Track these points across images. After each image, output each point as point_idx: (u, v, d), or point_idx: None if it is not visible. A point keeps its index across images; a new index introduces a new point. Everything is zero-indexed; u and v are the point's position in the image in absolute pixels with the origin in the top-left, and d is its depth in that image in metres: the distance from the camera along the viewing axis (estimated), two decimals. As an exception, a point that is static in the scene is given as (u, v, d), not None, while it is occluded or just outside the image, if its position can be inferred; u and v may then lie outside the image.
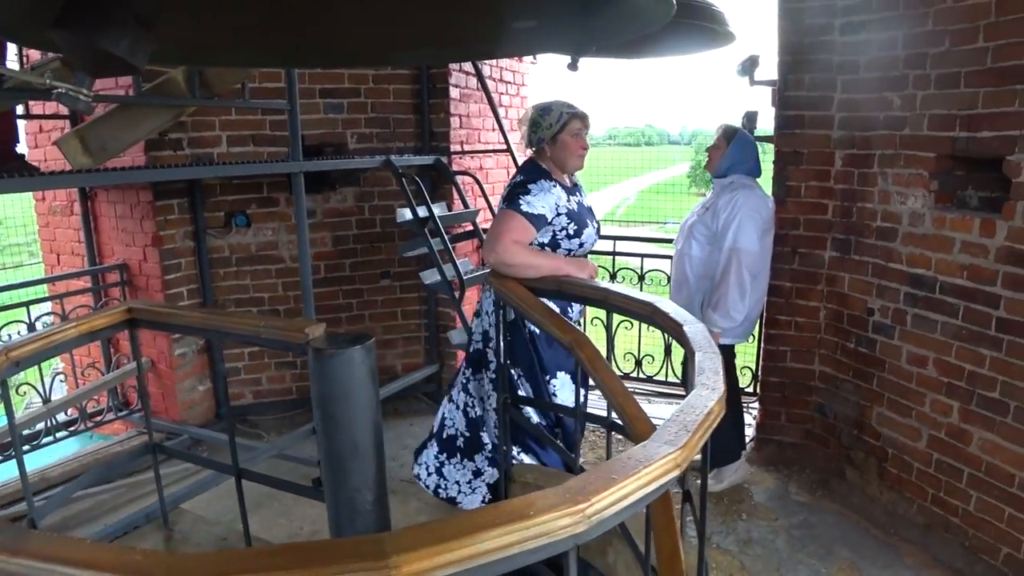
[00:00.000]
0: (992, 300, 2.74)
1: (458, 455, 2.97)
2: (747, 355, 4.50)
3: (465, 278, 3.60)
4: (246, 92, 3.17)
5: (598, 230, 2.86)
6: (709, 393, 1.45)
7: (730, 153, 3.41)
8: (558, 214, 2.63)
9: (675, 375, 4.77)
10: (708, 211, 3.42)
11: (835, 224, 3.45)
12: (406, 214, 3.67)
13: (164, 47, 2.15)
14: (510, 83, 4.85)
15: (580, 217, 2.72)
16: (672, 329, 1.99)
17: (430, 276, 3.71)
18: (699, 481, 1.61)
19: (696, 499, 1.61)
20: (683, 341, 1.84)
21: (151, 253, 3.87)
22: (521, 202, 2.57)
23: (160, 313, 2.59)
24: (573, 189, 2.80)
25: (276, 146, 4.00)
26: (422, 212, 3.62)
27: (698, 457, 1.36)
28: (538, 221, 2.58)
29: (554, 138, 2.69)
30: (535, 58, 5.22)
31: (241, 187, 4.01)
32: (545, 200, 2.60)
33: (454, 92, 4.19)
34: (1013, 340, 2.67)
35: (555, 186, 2.67)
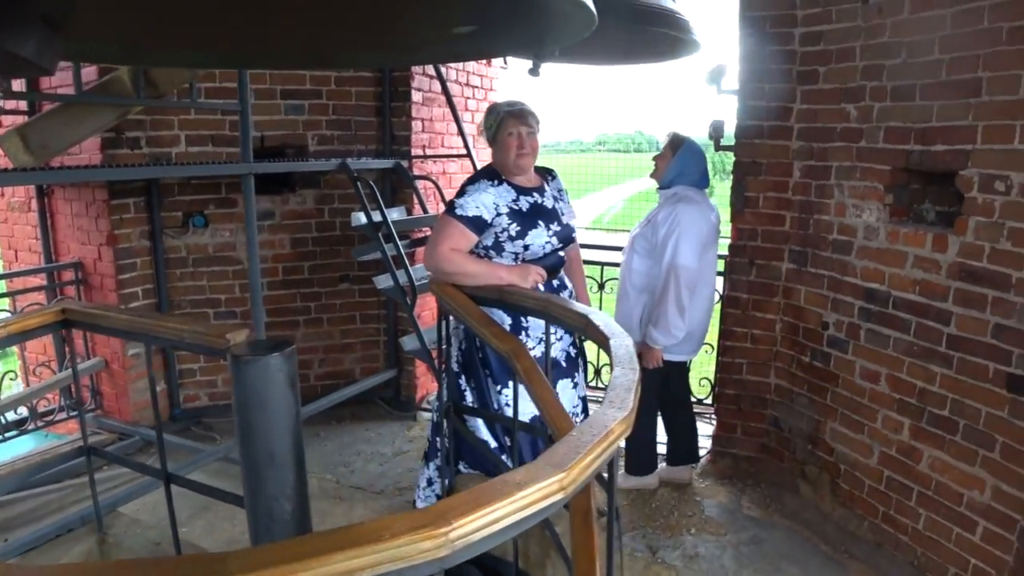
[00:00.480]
0: (943, 316, 2.68)
1: (423, 460, 2.91)
2: (706, 367, 4.44)
3: (418, 284, 3.51)
4: (195, 92, 3.07)
5: (563, 234, 2.69)
6: (614, 412, 1.37)
7: (675, 163, 3.33)
8: (498, 214, 2.53)
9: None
10: (649, 224, 3.33)
11: (792, 236, 3.38)
12: (361, 218, 3.59)
13: (97, 45, 2.11)
14: (477, 87, 4.77)
15: (528, 218, 2.59)
16: (600, 342, 1.93)
17: (383, 281, 3.62)
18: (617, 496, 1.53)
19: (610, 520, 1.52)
20: (608, 355, 1.77)
21: (106, 252, 3.75)
22: (456, 205, 2.50)
23: (92, 315, 2.50)
24: (534, 190, 2.67)
25: (235, 147, 3.88)
26: (377, 216, 3.53)
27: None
28: (475, 224, 2.49)
29: (494, 138, 2.61)
30: (505, 62, 5.15)
31: (199, 187, 3.91)
32: (479, 200, 2.51)
33: (416, 96, 4.11)
34: (963, 358, 2.60)
35: (496, 185, 2.58)
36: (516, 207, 2.59)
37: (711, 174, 3.59)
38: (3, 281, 4.16)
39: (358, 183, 3.58)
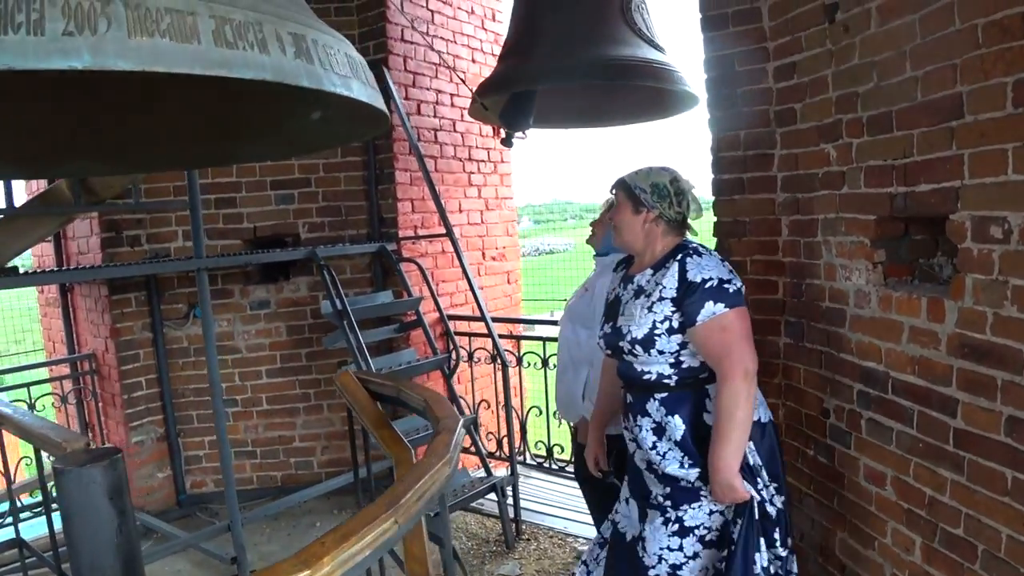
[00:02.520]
0: (948, 404, 1.93)
1: None
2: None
3: (379, 372, 3.16)
4: (136, 193, 2.94)
5: (608, 339, 2.15)
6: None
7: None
8: None
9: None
10: (587, 292, 2.79)
11: (788, 305, 2.70)
12: (328, 306, 3.33)
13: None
14: (483, 161, 4.45)
15: (604, 310, 2.29)
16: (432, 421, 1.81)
17: (354, 369, 3.31)
18: None
19: None
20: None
21: (111, 344, 3.75)
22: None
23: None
24: (632, 277, 2.17)
25: (227, 239, 3.84)
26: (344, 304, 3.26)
27: None
28: None
29: None
30: (524, 133, 4.81)
31: (195, 280, 3.84)
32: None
33: (402, 176, 3.86)
34: (974, 461, 1.85)
35: (617, 270, 2.35)
36: (608, 297, 2.31)
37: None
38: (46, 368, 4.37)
39: (324, 270, 3.34)
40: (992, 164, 1.75)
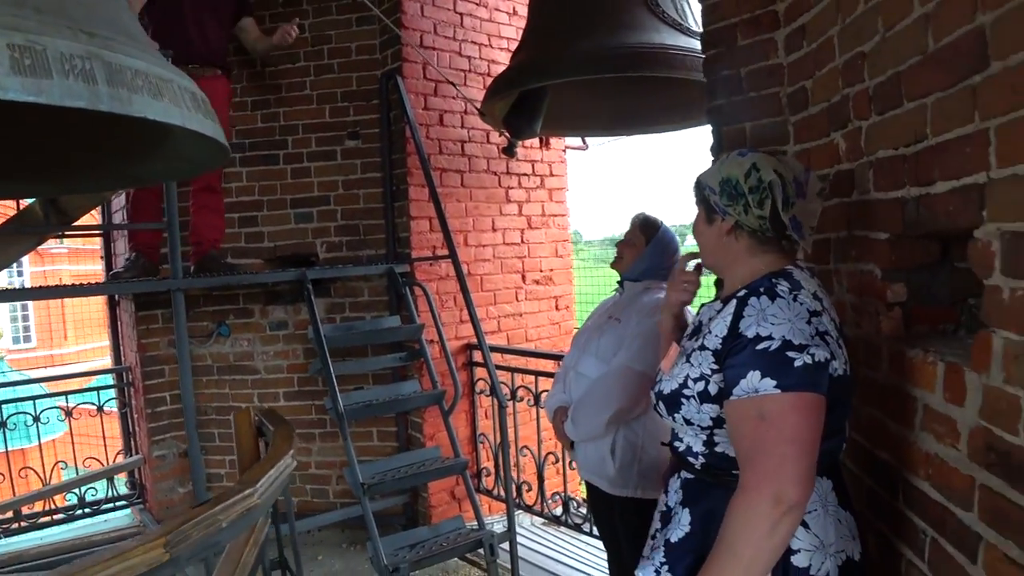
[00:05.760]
0: (966, 540, 1.15)
1: None
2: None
3: (346, 408, 2.76)
4: (107, 217, 2.82)
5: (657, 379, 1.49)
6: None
7: (650, 254, 2.19)
8: None
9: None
10: (618, 322, 2.16)
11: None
12: (312, 331, 2.99)
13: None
14: (525, 175, 3.89)
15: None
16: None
17: (328, 401, 2.94)
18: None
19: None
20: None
21: (139, 359, 3.70)
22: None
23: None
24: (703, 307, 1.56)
25: (249, 258, 3.65)
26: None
27: None
28: None
29: None
30: (584, 142, 4.20)
31: (220, 298, 3.69)
32: None
33: (417, 193, 3.42)
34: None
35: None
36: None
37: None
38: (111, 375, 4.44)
39: (311, 296, 3.01)
40: (1029, 139, 0.97)
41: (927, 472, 1.26)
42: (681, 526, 1.35)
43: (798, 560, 1.22)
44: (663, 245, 2.19)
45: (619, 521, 2.14)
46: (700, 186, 1.43)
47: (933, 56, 1.20)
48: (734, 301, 1.30)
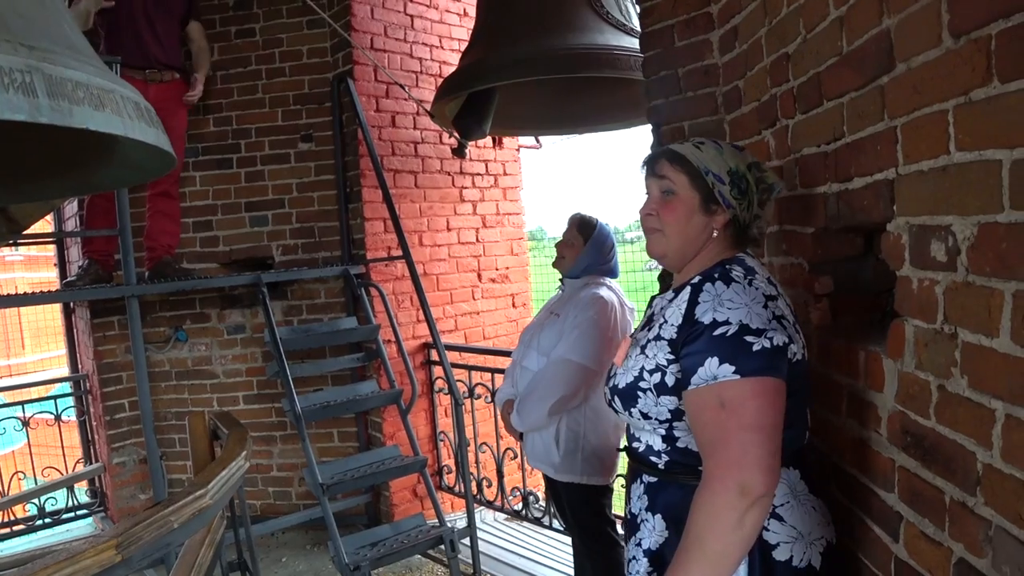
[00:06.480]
0: (890, 520, 1.19)
1: None
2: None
3: (303, 409, 2.74)
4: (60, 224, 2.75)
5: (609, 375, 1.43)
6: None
7: (589, 252, 2.26)
8: None
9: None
10: (558, 317, 2.22)
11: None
12: (268, 335, 2.96)
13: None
14: (479, 174, 3.90)
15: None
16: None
17: (286, 404, 2.91)
18: None
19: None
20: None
21: (96, 367, 3.61)
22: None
23: None
24: (653, 299, 1.49)
25: (205, 262, 3.59)
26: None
27: None
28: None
29: None
30: (538, 141, 4.23)
31: (176, 304, 3.61)
32: None
33: (371, 194, 3.40)
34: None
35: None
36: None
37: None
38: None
39: (266, 298, 2.97)
40: (930, 137, 1.02)
41: (852, 456, 1.31)
42: (656, 532, 1.29)
43: (779, 554, 1.18)
44: (600, 242, 2.25)
45: (567, 506, 2.21)
46: (696, 168, 1.28)
47: (847, 57, 1.24)
48: (688, 288, 1.26)
